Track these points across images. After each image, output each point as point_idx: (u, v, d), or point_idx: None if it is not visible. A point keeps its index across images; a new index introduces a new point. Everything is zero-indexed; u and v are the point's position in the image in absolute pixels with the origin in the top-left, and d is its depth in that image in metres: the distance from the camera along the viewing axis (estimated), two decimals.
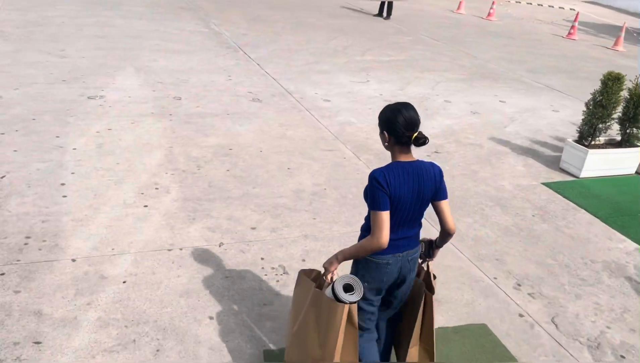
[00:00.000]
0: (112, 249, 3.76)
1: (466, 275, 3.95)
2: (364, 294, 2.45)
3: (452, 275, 3.92)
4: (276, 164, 5.41)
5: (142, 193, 4.55)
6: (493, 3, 17.70)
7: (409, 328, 2.74)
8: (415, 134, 2.36)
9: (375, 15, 15.30)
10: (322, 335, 2.50)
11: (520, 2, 23.04)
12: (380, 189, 2.33)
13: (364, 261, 2.48)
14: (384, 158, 5.15)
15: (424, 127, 7.18)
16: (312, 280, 2.65)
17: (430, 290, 2.68)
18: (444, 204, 2.48)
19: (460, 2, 18.46)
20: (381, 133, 2.47)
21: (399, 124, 2.36)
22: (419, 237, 2.59)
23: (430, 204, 2.50)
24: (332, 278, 2.50)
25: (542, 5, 23.25)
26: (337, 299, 2.40)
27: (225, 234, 4.11)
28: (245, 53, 9.56)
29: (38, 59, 7.70)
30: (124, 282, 3.44)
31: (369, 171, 2.48)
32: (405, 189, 2.36)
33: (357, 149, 6.03)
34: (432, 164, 2.48)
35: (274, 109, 7.01)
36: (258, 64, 8.97)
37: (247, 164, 5.32)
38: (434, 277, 2.71)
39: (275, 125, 6.46)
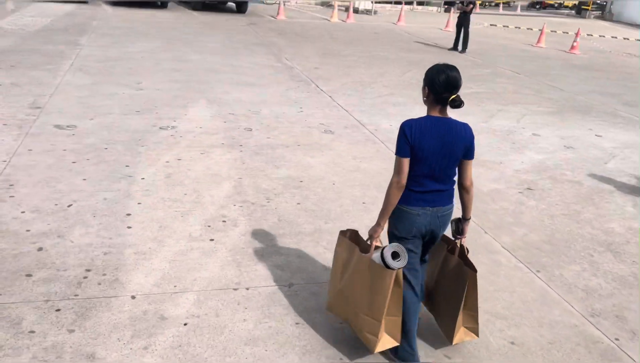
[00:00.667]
0: (175, 286, 3.43)
1: (580, 335, 3.29)
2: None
3: (563, 334, 3.27)
4: (350, 199, 4.99)
5: (209, 226, 4.25)
6: (577, 36, 16.79)
7: (453, 308, 2.92)
8: (453, 96, 2.55)
9: (450, 50, 14.84)
10: (370, 296, 2.77)
11: (604, 36, 21.83)
12: (403, 138, 2.60)
13: (397, 211, 2.72)
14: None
15: (511, 161, 6.40)
16: (349, 239, 2.99)
17: (471, 267, 2.86)
18: (469, 163, 2.71)
19: (540, 35, 17.68)
20: (423, 88, 2.68)
21: (440, 82, 2.56)
22: (451, 197, 2.75)
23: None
24: (376, 245, 2.78)
25: (628, 38, 21.93)
26: (387, 265, 2.66)
27: (296, 273, 3.69)
28: (317, 86, 9.35)
29: (115, 91, 7.81)
30: (185, 324, 3.08)
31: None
32: (431, 142, 2.57)
33: None
34: (464, 125, 2.67)
35: (346, 141, 6.64)
36: (330, 96, 8.71)
37: (319, 198, 4.93)
38: (467, 251, 2.93)
39: (349, 157, 6.08)
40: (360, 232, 3.08)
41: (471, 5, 14.34)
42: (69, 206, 4.37)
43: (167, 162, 5.46)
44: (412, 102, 8.77)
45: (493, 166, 6.20)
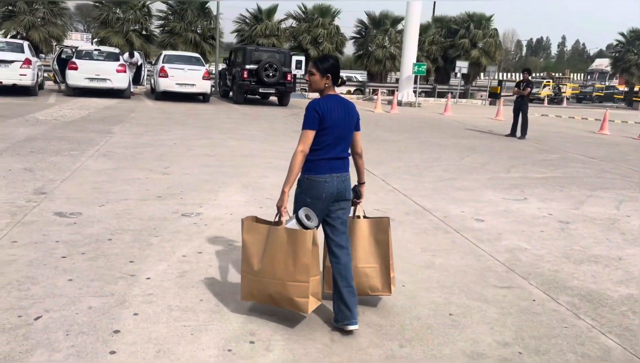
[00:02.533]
0: None
1: None
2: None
3: None
4: (429, 308, 3.55)
5: (230, 350, 2.88)
6: None
7: (383, 259, 3.52)
8: (342, 78, 3.29)
9: (507, 136, 13.65)
10: (293, 262, 3.03)
11: None
12: (313, 113, 3.08)
13: (307, 181, 3.14)
14: (591, 299, 3.87)
15: (632, 256, 4.82)
16: (255, 221, 3.27)
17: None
18: (358, 134, 3.34)
19: (603, 122, 16.40)
20: (322, 76, 3.17)
21: (338, 70, 3.20)
22: (348, 165, 3.23)
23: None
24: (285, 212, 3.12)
25: None
26: (304, 227, 3.02)
27: None
28: (367, 170, 8.17)
29: (137, 176, 6.82)
30: None
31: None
32: (336, 115, 3.12)
33: (547, 287, 4.01)
34: (351, 101, 3.29)
35: (411, 229, 5.29)
36: (383, 180, 7.48)
37: (386, 307, 3.52)
38: (364, 215, 3.55)
39: (417, 250, 4.70)
40: None
41: (529, 89, 13.32)
42: (36, 318, 3.10)
43: (184, 256, 4.21)
44: (481, 186, 7.44)
45: (611, 262, 4.67)
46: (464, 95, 28.18)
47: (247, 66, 17.73)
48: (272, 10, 25.47)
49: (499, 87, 27.64)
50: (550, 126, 17.32)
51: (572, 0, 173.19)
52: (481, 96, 28.38)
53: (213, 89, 20.60)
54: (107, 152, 8.27)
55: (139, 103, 16.44)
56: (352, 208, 3.42)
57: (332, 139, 3.09)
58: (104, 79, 16.48)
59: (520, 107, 13.46)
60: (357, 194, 3.42)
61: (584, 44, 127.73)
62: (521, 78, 13.65)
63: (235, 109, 16.95)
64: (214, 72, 22.78)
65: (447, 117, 18.33)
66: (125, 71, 16.89)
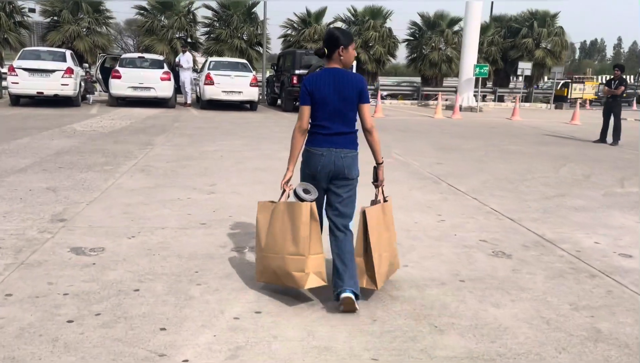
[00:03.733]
0: None
1: None
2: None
3: None
4: None
5: None
6: None
7: (389, 244, 3.37)
8: (317, 50, 3.19)
9: (595, 142, 11.88)
10: (292, 235, 3.06)
11: None
12: (303, 90, 3.11)
13: (305, 153, 3.20)
14: None
15: None
16: (269, 202, 3.26)
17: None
18: (365, 106, 3.12)
19: None
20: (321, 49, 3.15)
21: (331, 42, 3.09)
22: (353, 141, 3.15)
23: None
24: (288, 187, 3.18)
25: None
26: (301, 200, 3.07)
27: None
28: (450, 185, 6.75)
29: (178, 196, 5.65)
30: None
31: None
32: (327, 89, 3.05)
33: None
34: (355, 74, 3.18)
35: (541, 272, 3.85)
36: (475, 198, 6.05)
37: None
38: (385, 200, 3.40)
39: (564, 306, 3.27)
40: None
41: (622, 88, 11.53)
42: None
43: (236, 319, 2.94)
44: (601, 206, 5.90)
45: None
46: (527, 98, 26.15)
47: (297, 71, 16.57)
48: (320, 14, 24.32)
49: (566, 89, 25.52)
50: (636, 131, 15.32)
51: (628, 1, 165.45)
52: (545, 98, 26.27)
53: (260, 96, 19.59)
54: (145, 166, 7.17)
55: (183, 113, 15.53)
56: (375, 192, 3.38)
57: (327, 114, 3.08)
58: (148, 88, 15.67)
59: (611, 109, 11.69)
60: (375, 176, 3.31)
61: None
62: (612, 76, 11.87)
63: (284, 117, 15.81)
64: (261, 79, 21.81)
65: (517, 122, 16.60)
66: (170, 79, 16.04)
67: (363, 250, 3.25)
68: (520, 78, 25.93)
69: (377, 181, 3.31)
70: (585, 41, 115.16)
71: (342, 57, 3.10)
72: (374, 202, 3.36)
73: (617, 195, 6.56)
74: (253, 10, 23.72)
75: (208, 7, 23.45)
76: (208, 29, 23.90)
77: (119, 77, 15.48)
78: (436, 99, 20.45)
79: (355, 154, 3.17)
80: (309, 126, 3.16)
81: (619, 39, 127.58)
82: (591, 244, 4.57)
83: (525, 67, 23.95)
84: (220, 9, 23.49)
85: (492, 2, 28.47)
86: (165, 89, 15.89)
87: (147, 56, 17.44)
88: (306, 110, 3.09)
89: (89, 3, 21.60)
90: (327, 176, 3.13)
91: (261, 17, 23.11)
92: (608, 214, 5.56)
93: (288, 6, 28.03)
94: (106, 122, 12.33)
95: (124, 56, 17.19)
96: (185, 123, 12.72)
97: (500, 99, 26.18)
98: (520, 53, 26.18)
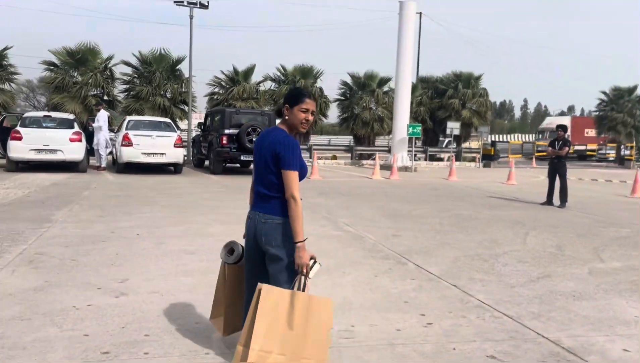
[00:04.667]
0: None
1: None
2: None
3: None
4: None
5: None
6: None
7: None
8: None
9: (542, 204, 11.44)
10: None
11: None
12: None
13: None
14: None
15: None
16: None
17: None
18: (283, 173, 2.80)
19: (636, 185, 14.43)
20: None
21: (284, 102, 2.96)
22: (276, 206, 2.85)
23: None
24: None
25: None
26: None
27: None
28: (418, 266, 5.69)
29: (73, 302, 4.15)
30: None
31: None
32: (257, 148, 2.98)
33: None
34: (278, 136, 2.86)
35: None
36: (454, 285, 4.99)
37: None
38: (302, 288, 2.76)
39: None
40: None
41: (567, 148, 11.27)
42: None
43: None
44: (597, 290, 5.02)
45: None
46: (456, 157, 26.38)
47: (227, 131, 15.39)
48: (249, 71, 23.56)
49: (493, 148, 26.05)
50: (571, 190, 15.28)
51: (532, 67, 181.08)
52: (475, 158, 26.65)
53: (186, 158, 18.12)
54: (35, 255, 5.56)
55: (97, 178, 13.73)
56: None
57: (255, 175, 3.02)
58: (54, 150, 13.82)
59: (557, 170, 11.36)
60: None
61: (545, 106, 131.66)
62: (555, 136, 11.64)
63: (213, 180, 14.43)
64: (186, 139, 20.39)
65: (456, 183, 16.17)
66: (80, 140, 14.29)
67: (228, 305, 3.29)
68: (450, 139, 26.26)
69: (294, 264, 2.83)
70: (495, 102, 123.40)
71: (286, 118, 2.95)
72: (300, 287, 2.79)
73: (604, 273, 5.75)
74: (177, 67, 22.55)
75: (127, 63, 22.03)
76: (127, 86, 22.38)
77: (20, 138, 13.55)
78: (372, 159, 19.91)
79: (278, 222, 2.85)
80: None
81: (525, 100, 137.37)
82: (620, 352, 3.58)
83: (454, 126, 24.23)
84: (141, 65, 22.11)
85: (418, 64, 29.15)
86: (74, 152, 14.09)
87: (54, 114, 15.60)
88: (253, 167, 3.07)
89: None
90: (253, 241, 2.97)
91: (186, 74, 21.95)
92: (611, 303, 4.66)
93: (215, 64, 27.20)
94: (0, 191, 10.41)
95: (27, 114, 15.24)
96: (97, 191, 11.02)
97: (432, 158, 26.24)
98: (448, 113, 26.63)
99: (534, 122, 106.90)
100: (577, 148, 34.13)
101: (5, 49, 20.43)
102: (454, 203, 11.19)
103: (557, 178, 11.34)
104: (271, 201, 2.86)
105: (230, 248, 3.14)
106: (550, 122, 42.84)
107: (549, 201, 11.39)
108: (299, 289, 2.72)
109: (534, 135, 44.05)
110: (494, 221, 9.02)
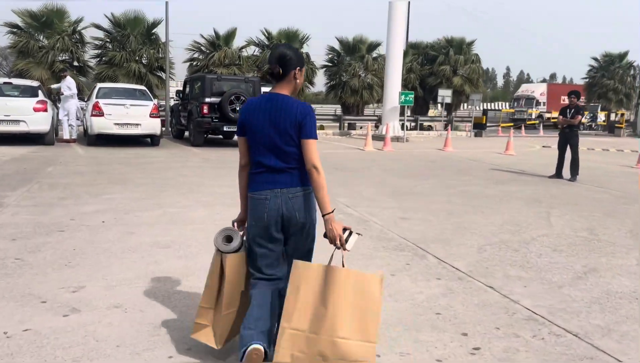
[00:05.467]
0: None
1: None
2: (255, 236, 2.62)
3: None
4: None
5: None
6: None
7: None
8: (268, 67, 2.61)
9: (551, 177, 10.60)
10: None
11: None
12: (239, 117, 2.66)
13: (249, 200, 2.64)
14: None
15: None
16: None
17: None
18: (307, 142, 2.52)
19: None
20: None
21: (271, 63, 2.59)
22: (300, 177, 2.58)
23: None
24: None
25: None
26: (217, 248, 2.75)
27: None
28: (439, 259, 4.76)
29: (4, 325, 3.13)
30: None
31: None
32: (260, 117, 2.55)
33: None
34: (297, 103, 2.56)
35: None
36: (490, 287, 4.08)
37: None
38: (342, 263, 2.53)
39: None
40: None
41: (579, 117, 10.36)
42: None
43: None
44: None
45: None
46: (447, 126, 25.46)
47: (207, 99, 14.16)
48: (230, 35, 22.08)
49: (485, 117, 25.13)
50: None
51: (514, 33, 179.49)
52: (466, 128, 25.76)
53: (164, 129, 16.86)
54: None
55: (64, 151, 12.48)
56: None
57: (261, 148, 2.59)
58: (16, 121, 12.49)
59: (568, 141, 10.48)
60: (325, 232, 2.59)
61: (528, 74, 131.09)
62: (567, 103, 10.71)
63: (194, 153, 13.29)
64: (164, 108, 19.09)
65: (453, 154, 15.26)
66: (46, 110, 12.96)
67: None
68: (438, 106, 25.27)
69: (326, 237, 2.57)
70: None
71: (297, 81, 2.65)
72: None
73: None
74: (153, 30, 21.00)
75: (98, 26, 20.38)
76: (99, 51, 20.80)
77: None
78: (362, 129, 18.86)
79: (304, 193, 2.60)
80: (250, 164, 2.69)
81: (507, 68, 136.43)
82: None
83: (445, 94, 23.22)
84: (113, 28, 20.51)
85: (408, 29, 27.83)
86: (39, 122, 12.77)
87: (15, 81, 14.14)
88: (241, 142, 2.70)
89: None
90: (278, 224, 2.59)
91: (163, 39, 20.42)
92: None
93: (194, 27, 25.59)
94: None
95: None
96: (63, 167, 9.84)
97: (421, 127, 25.28)
98: (438, 80, 25.56)
99: (516, 90, 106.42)
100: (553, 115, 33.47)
101: None
102: (457, 178, 10.27)
103: (568, 149, 10.48)
104: (292, 173, 2.59)
105: (226, 235, 2.74)
106: (525, 89, 41.83)
107: (558, 174, 10.55)
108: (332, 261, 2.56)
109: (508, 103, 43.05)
110: (506, 198, 8.13)
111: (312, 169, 2.51)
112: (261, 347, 2.47)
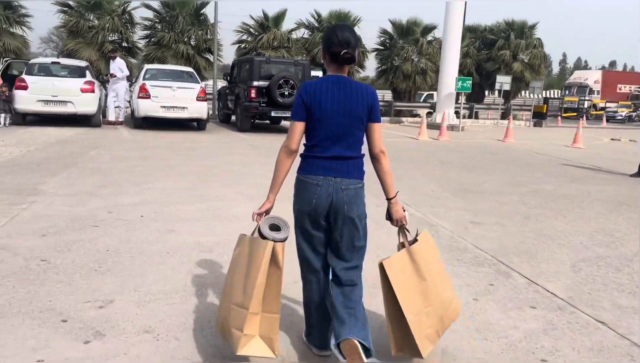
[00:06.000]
0: None
1: None
2: (301, 223, 2.52)
3: None
4: None
5: None
6: None
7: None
8: (343, 51, 2.39)
9: (633, 176, 9.49)
10: (244, 279, 2.42)
11: None
12: (299, 101, 2.46)
13: (297, 181, 2.53)
14: None
15: None
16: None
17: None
18: (375, 126, 2.50)
19: None
20: (322, 51, 2.54)
21: (331, 41, 2.43)
22: (357, 168, 2.51)
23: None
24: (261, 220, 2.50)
25: None
26: (262, 237, 2.43)
27: None
28: (528, 280, 3.98)
29: (15, 353, 2.60)
30: None
31: None
32: (329, 101, 2.42)
33: None
34: (365, 85, 2.53)
35: None
36: (603, 323, 3.28)
37: None
38: (409, 240, 2.62)
39: None
40: None
41: None
42: None
43: None
44: None
45: None
46: (504, 115, 24.09)
47: (256, 83, 13.60)
48: (280, 17, 21.44)
49: (545, 105, 23.61)
50: None
51: (573, 17, 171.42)
52: (523, 116, 24.34)
53: (210, 112, 16.47)
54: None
55: (109, 134, 12.21)
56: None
57: (327, 133, 2.45)
58: (64, 102, 12.29)
59: None
60: (388, 214, 2.61)
61: (586, 61, 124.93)
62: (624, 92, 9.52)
63: (240, 138, 12.79)
64: (211, 91, 18.70)
65: (515, 146, 14.18)
66: (93, 91, 12.71)
67: (391, 315, 2.55)
68: (494, 93, 23.91)
69: (391, 220, 2.60)
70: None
71: (355, 63, 2.56)
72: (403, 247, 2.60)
73: None
74: (202, 11, 20.60)
75: (148, 6, 20.13)
76: (148, 32, 20.58)
77: (25, 87, 12.04)
78: (414, 116, 17.94)
79: (360, 186, 2.52)
80: (302, 147, 2.54)
81: (564, 55, 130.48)
82: None
83: (504, 81, 21.89)
84: (162, 8, 20.21)
85: (465, 12, 26.41)
86: (86, 104, 12.55)
87: (64, 61, 13.99)
88: (298, 127, 2.47)
89: None
90: (325, 212, 2.47)
91: (212, 20, 19.99)
92: None
93: (243, 8, 25.10)
94: None
95: (33, 61, 13.69)
96: (106, 151, 9.49)
97: (476, 115, 24.03)
98: (497, 66, 24.14)
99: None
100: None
101: None
102: (526, 173, 9.31)
103: None
104: (354, 162, 2.51)
105: (271, 224, 2.50)
106: (578, 76, 39.32)
107: None
108: (405, 243, 2.61)
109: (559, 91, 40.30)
110: (587, 200, 7.18)
111: (380, 154, 2.51)
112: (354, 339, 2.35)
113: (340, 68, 2.47)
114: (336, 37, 2.42)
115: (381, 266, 2.50)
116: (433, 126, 17.18)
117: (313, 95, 2.42)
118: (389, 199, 2.57)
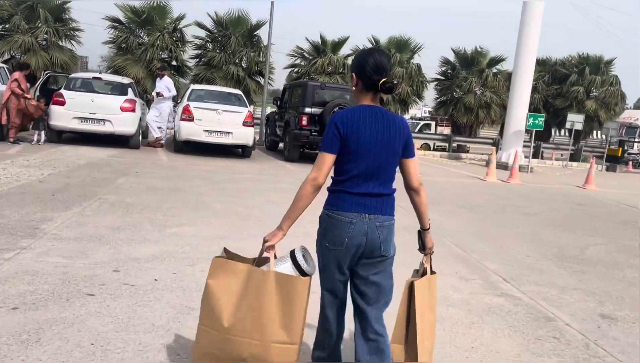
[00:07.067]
0: None
1: None
2: (325, 265, 2.40)
3: None
4: None
5: None
6: None
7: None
8: (383, 80, 2.28)
9: None
10: (282, 317, 2.29)
11: None
12: (333, 129, 2.29)
13: (326, 218, 2.39)
14: None
15: None
16: (228, 258, 2.45)
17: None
18: (412, 161, 2.42)
19: None
20: (351, 76, 2.42)
21: (368, 67, 2.30)
22: (391, 205, 2.41)
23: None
24: (275, 253, 2.34)
25: None
26: (299, 269, 2.31)
27: None
28: None
29: None
30: None
31: None
32: (366, 133, 2.29)
33: None
34: (399, 116, 2.43)
35: None
36: None
37: None
38: (431, 271, 2.59)
39: None
40: None
41: None
42: None
43: None
44: None
45: None
46: (574, 157, 22.04)
47: (308, 110, 12.39)
48: (340, 43, 20.38)
49: (620, 148, 21.43)
50: None
51: None
52: (592, 159, 22.16)
53: (257, 138, 15.36)
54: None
55: (146, 158, 11.17)
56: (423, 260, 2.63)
57: (363, 167, 2.31)
58: (102, 120, 11.38)
59: None
60: (421, 244, 2.59)
61: None
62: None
63: (287, 170, 11.53)
64: (259, 116, 17.67)
65: (602, 195, 12.30)
66: (133, 110, 11.78)
67: (405, 336, 2.54)
68: (564, 132, 21.92)
69: (424, 249, 2.58)
70: None
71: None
72: (419, 273, 2.61)
73: None
74: (255, 32, 19.78)
75: (201, 25, 19.46)
76: (199, 51, 19.89)
77: (63, 103, 11.20)
78: (466, 151, 16.22)
79: (393, 222, 2.41)
80: (330, 181, 2.40)
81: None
82: None
83: (575, 119, 19.89)
84: (215, 27, 19.51)
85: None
86: (125, 123, 11.60)
87: (105, 77, 13.20)
88: (329, 159, 2.30)
89: (49, 10, 17.47)
90: (355, 252, 2.34)
91: (265, 42, 19.09)
92: None
93: (298, 32, 24.24)
94: (13, 169, 7.99)
95: (73, 75, 12.94)
96: (136, 179, 8.36)
97: (541, 155, 22.07)
98: (567, 103, 22.22)
99: None
100: None
101: (64, 2, 18.37)
102: (634, 236, 7.58)
103: None
104: (388, 199, 2.38)
105: (304, 254, 2.34)
106: (628, 116, 36.27)
107: None
108: (426, 272, 2.59)
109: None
110: None
111: (420, 187, 2.44)
112: None
113: (375, 97, 2.36)
114: (374, 63, 2.30)
115: (410, 286, 2.48)
116: (499, 166, 15.49)
117: (349, 126, 2.28)
118: (425, 230, 2.55)
